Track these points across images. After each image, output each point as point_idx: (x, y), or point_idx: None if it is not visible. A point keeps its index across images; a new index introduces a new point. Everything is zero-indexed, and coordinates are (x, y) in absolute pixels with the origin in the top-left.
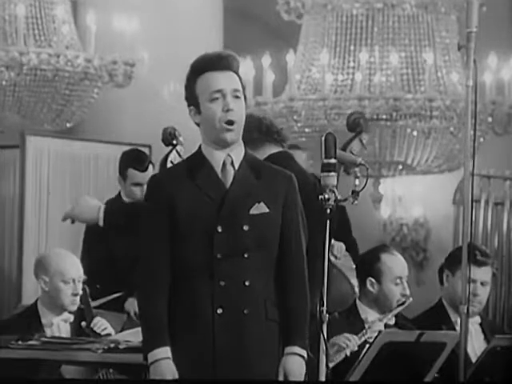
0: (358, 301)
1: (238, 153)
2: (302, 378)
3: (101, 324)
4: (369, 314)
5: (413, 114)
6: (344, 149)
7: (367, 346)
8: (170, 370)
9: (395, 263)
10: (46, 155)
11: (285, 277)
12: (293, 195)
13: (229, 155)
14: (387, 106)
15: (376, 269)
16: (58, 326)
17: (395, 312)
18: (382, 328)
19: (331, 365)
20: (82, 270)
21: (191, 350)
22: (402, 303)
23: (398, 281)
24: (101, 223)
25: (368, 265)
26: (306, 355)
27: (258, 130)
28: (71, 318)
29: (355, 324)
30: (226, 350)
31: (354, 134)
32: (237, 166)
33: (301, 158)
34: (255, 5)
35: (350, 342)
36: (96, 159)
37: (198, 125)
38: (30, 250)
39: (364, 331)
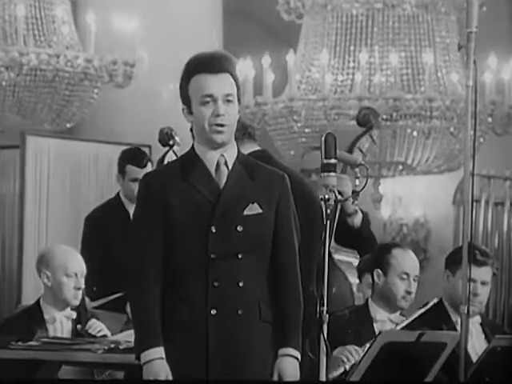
0: (369, 299)
1: (231, 153)
2: (296, 379)
3: (96, 326)
4: (378, 312)
5: (413, 114)
6: (353, 144)
7: (368, 345)
8: (163, 371)
9: (405, 258)
10: (45, 155)
11: (278, 277)
12: (286, 195)
13: (222, 155)
14: (387, 107)
15: (385, 261)
16: (61, 322)
17: (418, 315)
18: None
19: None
20: (84, 266)
21: (185, 351)
22: (425, 304)
23: (405, 276)
24: None
25: (378, 256)
26: (299, 356)
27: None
28: (74, 314)
29: (365, 323)
30: (220, 351)
31: (365, 130)
32: (230, 166)
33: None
34: (255, 5)
35: (351, 356)
36: (96, 159)
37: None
38: (30, 249)
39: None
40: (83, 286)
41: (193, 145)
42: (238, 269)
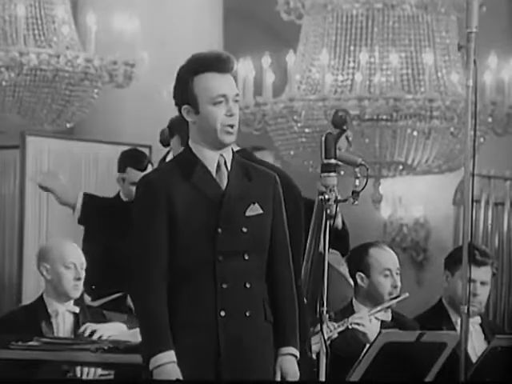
0: (354, 299)
1: (228, 153)
2: (297, 378)
3: (87, 332)
4: (362, 310)
5: (413, 114)
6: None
7: (367, 346)
8: (175, 375)
9: (383, 256)
10: (46, 155)
11: (275, 277)
12: (278, 195)
13: (222, 156)
14: (387, 107)
15: (364, 262)
16: (64, 316)
17: (386, 305)
18: (366, 317)
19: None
20: (83, 257)
21: (196, 353)
22: (395, 297)
23: (387, 272)
24: (77, 214)
25: (357, 259)
26: (298, 355)
27: None
28: (77, 309)
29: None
30: (230, 353)
31: (340, 132)
32: (229, 167)
33: (268, 159)
34: (255, 5)
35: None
36: (96, 159)
37: (187, 123)
38: (30, 250)
39: (346, 319)
40: (83, 277)
41: (187, 145)
42: (244, 270)
